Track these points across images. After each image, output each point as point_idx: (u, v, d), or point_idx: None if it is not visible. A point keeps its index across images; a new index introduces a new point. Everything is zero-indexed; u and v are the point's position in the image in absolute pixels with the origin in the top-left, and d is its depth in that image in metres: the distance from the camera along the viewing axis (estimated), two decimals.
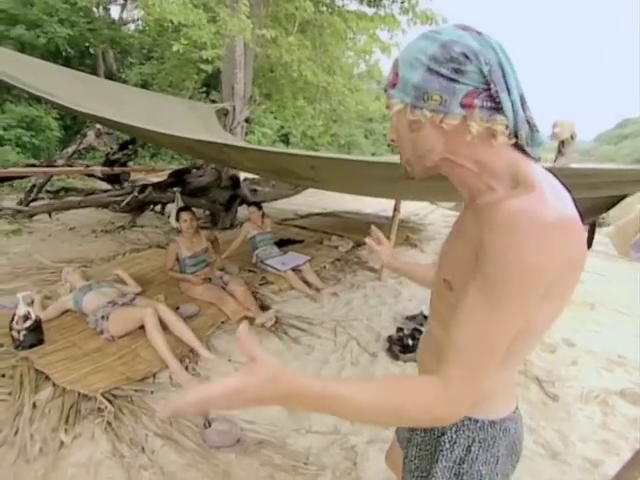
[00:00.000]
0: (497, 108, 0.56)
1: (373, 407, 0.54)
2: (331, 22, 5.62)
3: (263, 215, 3.95)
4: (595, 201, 1.87)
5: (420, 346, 0.87)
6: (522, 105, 0.58)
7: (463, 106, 0.56)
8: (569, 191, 0.59)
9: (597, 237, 3.84)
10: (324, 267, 4.15)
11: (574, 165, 3.88)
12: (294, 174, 2.65)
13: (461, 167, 0.62)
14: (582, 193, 1.70)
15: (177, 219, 3.18)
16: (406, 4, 6.36)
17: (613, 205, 1.97)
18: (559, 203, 0.54)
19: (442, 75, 0.56)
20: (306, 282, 3.64)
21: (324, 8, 5.97)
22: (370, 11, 6.79)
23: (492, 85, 0.55)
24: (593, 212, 2.10)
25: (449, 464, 0.75)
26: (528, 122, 0.58)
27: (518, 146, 0.60)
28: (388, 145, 23.32)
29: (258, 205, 3.97)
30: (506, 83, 0.56)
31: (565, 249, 0.53)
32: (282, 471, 1.63)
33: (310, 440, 1.84)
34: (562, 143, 4.45)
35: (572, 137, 4.44)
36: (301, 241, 4.83)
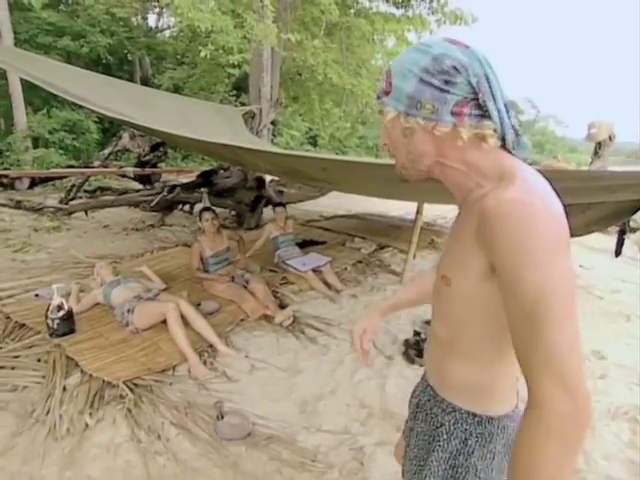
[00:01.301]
0: (484, 115, 0.61)
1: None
2: (357, 25, 5.63)
3: (286, 216, 4.02)
4: (619, 205, 1.78)
5: (426, 348, 0.88)
6: (507, 112, 0.62)
7: (453, 114, 0.61)
8: (569, 195, 0.61)
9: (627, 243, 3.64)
10: (345, 269, 4.15)
11: (584, 168, 3.70)
12: (307, 176, 2.70)
13: (452, 169, 0.67)
14: (599, 196, 1.64)
15: (200, 219, 3.30)
16: (435, 4, 6.28)
17: (638, 209, 1.87)
18: (541, 191, 0.58)
19: (434, 86, 0.61)
20: (326, 283, 3.66)
21: (350, 11, 5.99)
22: (398, 12, 6.76)
23: (480, 95, 0.60)
24: (618, 216, 2.00)
25: (445, 455, 0.76)
26: (513, 128, 0.63)
27: (505, 149, 0.64)
28: None
29: (284, 206, 4.04)
30: (492, 93, 0.61)
31: (553, 229, 0.56)
32: (289, 467, 1.66)
33: (320, 438, 1.86)
34: (599, 145, 4.25)
35: (610, 138, 4.22)
36: (324, 242, 4.85)
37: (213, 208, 3.45)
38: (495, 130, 0.61)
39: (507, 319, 0.59)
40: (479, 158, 0.64)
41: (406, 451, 0.88)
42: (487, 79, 0.60)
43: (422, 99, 0.61)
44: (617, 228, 2.75)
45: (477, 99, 0.60)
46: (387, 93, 0.65)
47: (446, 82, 0.60)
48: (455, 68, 0.59)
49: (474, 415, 0.74)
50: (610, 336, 3.08)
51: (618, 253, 2.69)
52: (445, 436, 0.77)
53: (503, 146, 0.64)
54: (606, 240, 5.30)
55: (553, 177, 1.65)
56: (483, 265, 0.63)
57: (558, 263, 0.55)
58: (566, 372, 0.54)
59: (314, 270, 3.68)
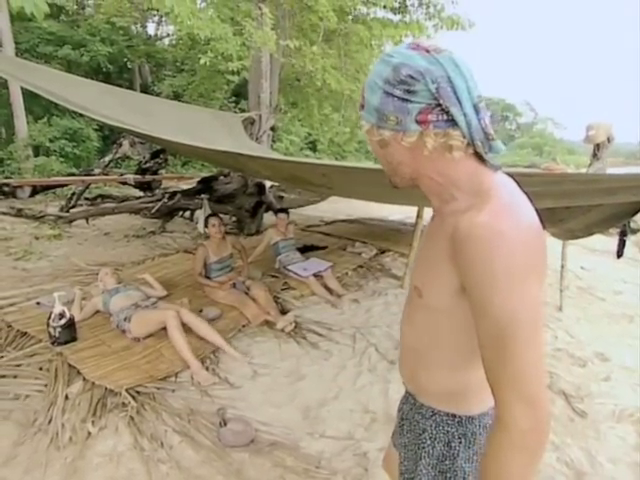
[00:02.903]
0: (452, 121, 0.60)
1: None
2: (355, 31, 5.67)
3: (287, 222, 4.03)
4: (619, 207, 1.79)
5: (399, 354, 0.88)
6: (477, 114, 0.60)
7: (419, 122, 0.60)
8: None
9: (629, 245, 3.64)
10: (346, 273, 4.15)
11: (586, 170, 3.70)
12: (307, 181, 2.70)
13: (428, 178, 0.67)
14: (599, 199, 1.65)
15: (206, 225, 3.32)
16: (432, 9, 6.33)
17: (638, 211, 1.88)
18: (514, 212, 0.59)
19: (396, 96, 0.60)
20: (327, 288, 3.66)
21: (348, 17, 6.04)
22: (396, 18, 6.81)
23: (441, 101, 0.58)
24: (618, 218, 2.00)
25: (432, 461, 0.76)
26: (484, 131, 0.61)
27: (478, 155, 0.63)
28: None
29: (287, 212, 4.05)
30: (457, 97, 0.59)
31: (523, 255, 0.56)
32: (293, 473, 1.65)
33: (323, 444, 1.85)
34: (597, 147, 4.26)
35: (609, 140, 4.23)
36: (324, 247, 4.86)
37: (219, 215, 3.48)
38: (464, 137, 0.60)
39: (477, 337, 0.61)
40: (452, 168, 0.64)
41: (399, 466, 0.88)
42: (450, 83, 0.58)
43: (386, 111, 0.62)
44: (618, 229, 2.75)
45: (441, 105, 0.59)
46: (362, 107, 0.67)
47: (407, 91, 0.59)
48: (412, 76, 0.59)
49: (454, 416, 0.75)
50: (613, 338, 3.07)
51: (620, 254, 2.69)
52: (429, 441, 0.77)
53: (475, 152, 0.63)
54: (607, 241, 5.30)
55: (552, 181, 1.66)
56: (455, 283, 0.64)
57: (524, 289, 0.56)
58: (531, 392, 0.56)
59: (315, 275, 3.68)
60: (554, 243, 4.10)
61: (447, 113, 0.59)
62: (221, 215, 5.58)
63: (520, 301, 0.56)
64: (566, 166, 4.31)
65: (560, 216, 2.45)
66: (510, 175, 0.69)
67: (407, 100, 0.59)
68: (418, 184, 0.70)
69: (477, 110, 0.60)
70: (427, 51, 0.60)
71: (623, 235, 2.68)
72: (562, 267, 3.49)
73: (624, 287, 4.17)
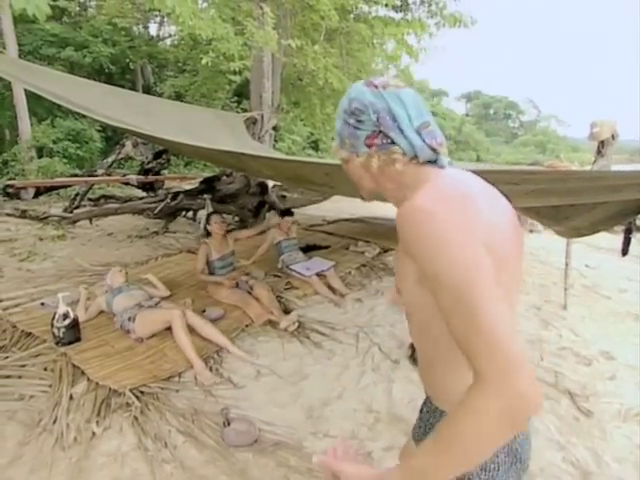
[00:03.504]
0: (393, 142, 0.71)
1: (447, 457, 0.58)
2: (357, 29, 5.66)
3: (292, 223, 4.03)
4: (625, 204, 1.77)
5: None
6: (420, 136, 0.71)
7: (367, 145, 0.73)
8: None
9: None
10: (349, 273, 4.14)
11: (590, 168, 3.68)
12: (310, 181, 2.70)
13: (385, 187, 0.78)
14: (604, 196, 1.63)
15: (208, 222, 3.32)
16: (434, 7, 6.31)
17: None
18: (446, 194, 0.65)
19: (350, 124, 0.74)
20: (330, 287, 3.65)
21: (350, 16, 6.03)
22: (397, 16, 6.80)
23: (382, 128, 0.71)
24: (623, 215, 1.98)
25: None
26: (430, 148, 0.71)
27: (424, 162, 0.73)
28: None
29: (291, 214, 4.05)
30: (397, 124, 0.71)
31: (453, 225, 0.60)
32: (297, 473, 1.65)
33: (327, 444, 1.84)
34: (602, 144, 4.23)
35: (613, 137, 4.20)
36: (327, 247, 4.85)
37: (221, 213, 3.49)
38: (404, 154, 0.71)
39: (443, 315, 0.62)
40: (399, 176, 0.74)
41: None
42: (390, 114, 0.70)
43: (344, 136, 0.76)
44: (623, 227, 2.73)
45: (382, 131, 0.71)
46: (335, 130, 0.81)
47: (357, 121, 0.73)
48: (359, 109, 0.72)
49: None
50: (618, 336, 3.05)
51: (625, 252, 2.67)
52: None
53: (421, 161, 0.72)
54: (612, 239, 5.26)
55: (556, 178, 1.64)
56: (414, 271, 0.68)
57: (461, 248, 0.59)
58: (506, 352, 0.54)
59: (318, 274, 3.67)
60: (558, 241, 4.09)
61: (388, 137, 0.71)
62: (223, 215, 5.62)
63: (461, 262, 0.58)
64: (570, 163, 4.28)
65: (565, 214, 2.43)
66: (515, 172, 0.69)
67: (357, 128, 0.73)
68: (382, 194, 0.80)
69: (419, 133, 0.71)
70: (376, 87, 0.73)
71: (628, 233, 2.66)
72: (566, 265, 3.46)
73: (629, 285, 4.14)
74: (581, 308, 3.56)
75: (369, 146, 0.73)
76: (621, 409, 2.18)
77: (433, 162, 0.72)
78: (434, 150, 0.71)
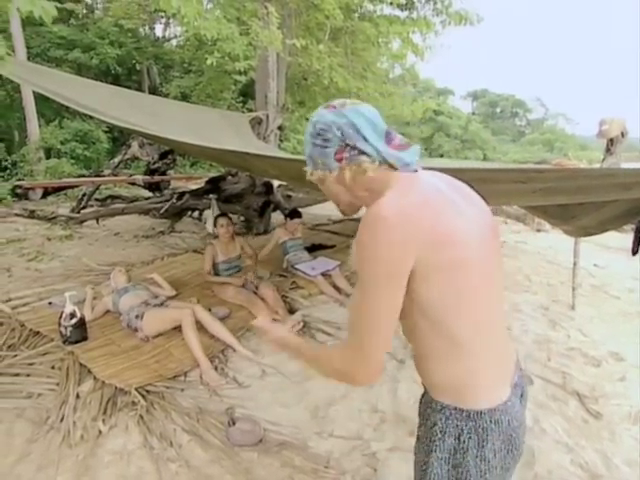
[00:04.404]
0: (361, 152, 0.78)
1: (310, 359, 0.88)
2: (361, 28, 5.64)
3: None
4: (635, 203, 1.74)
5: None
6: (382, 140, 0.78)
7: (337, 160, 0.80)
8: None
9: None
10: (355, 272, 4.13)
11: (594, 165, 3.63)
12: None
13: (361, 197, 0.84)
14: (613, 194, 1.60)
15: (215, 225, 3.32)
16: (439, 5, 6.27)
17: None
18: (397, 202, 0.73)
19: (317, 145, 0.81)
20: (336, 287, 3.65)
21: (354, 15, 6.01)
22: (402, 14, 6.76)
23: (348, 141, 0.78)
24: (633, 214, 1.95)
25: (444, 454, 0.79)
26: (394, 148, 0.78)
27: (392, 166, 0.78)
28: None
29: (299, 215, 4.04)
30: (362, 135, 0.77)
31: (408, 230, 0.69)
32: (302, 473, 1.65)
33: (332, 444, 1.84)
34: (611, 141, 4.17)
35: (623, 135, 4.14)
36: (333, 246, 4.84)
37: (229, 215, 3.48)
38: (373, 161, 0.77)
39: None
40: (371, 183, 0.79)
41: (414, 457, 0.91)
42: (353, 127, 0.77)
43: (314, 157, 0.83)
44: (633, 226, 2.69)
45: (349, 144, 0.77)
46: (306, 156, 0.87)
47: (323, 140, 0.79)
48: (323, 129, 0.79)
49: (461, 410, 0.77)
50: (628, 337, 3.00)
51: (635, 252, 2.63)
52: (439, 435, 0.79)
53: (390, 166, 0.78)
54: (622, 238, 5.19)
55: (564, 176, 1.61)
56: None
57: (376, 255, 0.69)
58: (354, 337, 0.74)
59: (323, 274, 3.67)
60: (566, 240, 4.04)
61: (355, 148, 0.78)
62: (230, 215, 5.63)
63: (369, 265, 0.70)
64: (578, 162, 4.23)
65: (573, 213, 2.40)
66: (521, 170, 0.70)
67: (325, 147, 0.80)
68: (361, 204, 0.86)
69: (381, 139, 0.78)
70: (334, 107, 0.80)
71: (638, 232, 2.61)
72: (574, 264, 3.42)
73: (639, 285, 4.08)
74: (590, 308, 3.51)
75: (339, 160, 0.79)
76: (631, 411, 2.15)
77: (403, 167, 0.78)
78: (399, 149, 0.78)
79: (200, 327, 2.53)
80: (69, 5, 10.11)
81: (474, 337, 0.76)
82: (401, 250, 0.69)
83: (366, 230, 0.71)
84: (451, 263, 0.71)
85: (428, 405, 0.84)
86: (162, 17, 12.14)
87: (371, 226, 0.70)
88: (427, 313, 0.74)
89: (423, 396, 0.90)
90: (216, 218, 3.34)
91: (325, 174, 0.82)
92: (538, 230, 6.48)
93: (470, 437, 0.76)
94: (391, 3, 6.04)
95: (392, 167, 0.78)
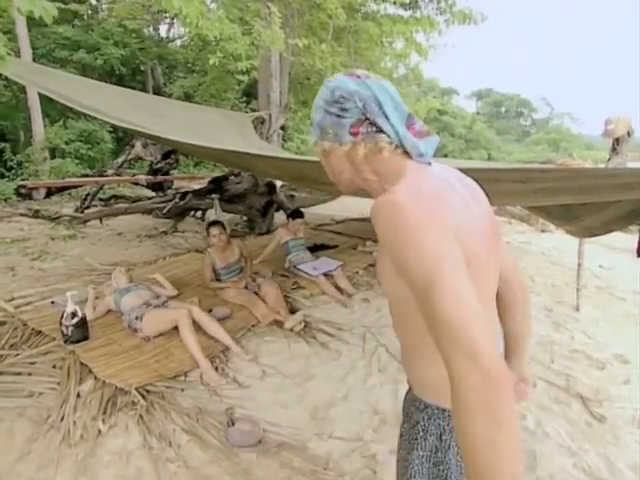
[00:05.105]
0: (380, 129, 0.72)
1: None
2: (365, 28, 5.63)
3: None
4: (638, 203, 1.72)
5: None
6: (403, 123, 0.72)
7: (352, 134, 0.73)
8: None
9: None
10: (357, 272, 4.11)
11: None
12: (314, 180, 2.69)
13: (367, 180, 0.77)
14: (616, 195, 1.58)
15: (207, 234, 3.23)
16: (443, 4, 6.24)
17: None
18: (415, 189, 0.67)
19: (332, 114, 0.73)
20: (338, 287, 3.63)
21: (358, 14, 6.00)
22: (406, 14, 6.74)
23: (368, 115, 0.71)
24: (637, 215, 1.92)
25: (426, 453, 0.79)
26: (413, 135, 0.72)
27: (406, 153, 0.73)
28: None
29: (302, 216, 4.02)
30: (383, 111, 0.71)
31: (420, 216, 0.62)
32: (301, 474, 1.64)
33: (331, 445, 1.83)
34: (617, 141, 4.13)
35: (629, 134, 4.10)
36: (335, 246, 4.83)
37: (221, 220, 3.43)
38: (391, 142, 0.71)
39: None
40: (383, 167, 0.74)
41: (397, 454, 0.91)
42: (377, 100, 0.71)
43: (325, 126, 0.75)
44: (638, 227, 2.66)
45: (369, 119, 0.71)
46: (312, 125, 0.80)
47: (340, 109, 0.72)
48: (343, 97, 0.72)
49: (443, 410, 0.76)
50: (633, 339, 2.97)
51: None
52: (421, 433, 0.79)
53: (405, 152, 0.72)
54: (627, 239, 5.14)
55: (568, 176, 1.59)
56: (390, 262, 0.70)
57: (430, 241, 0.61)
58: (469, 344, 0.54)
59: (325, 274, 3.65)
60: (571, 241, 4.00)
61: (375, 125, 0.71)
62: (232, 214, 5.64)
63: (428, 252, 0.60)
64: (583, 161, 4.19)
65: (576, 213, 2.37)
66: (522, 170, 0.69)
67: (341, 116, 0.72)
68: (362, 187, 0.80)
69: (402, 121, 0.72)
70: (358, 77, 0.73)
71: None
72: (579, 266, 3.39)
73: None
74: (594, 310, 3.48)
75: (354, 134, 0.72)
76: (635, 414, 2.12)
77: (417, 156, 0.72)
78: (418, 136, 0.73)
79: (199, 327, 2.53)
80: (73, 6, 10.19)
81: None
82: (440, 227, 0.63)
83: (399, 223, 0.62)
84: (467, 258, 0.65)
85: (412, 403, 0.84)
86: (166, 17, 12.18)
87: (400, 217, 0.62)
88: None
89: (407, 393, 0.90)
90: (207, 227, 3.24)
91: (333, 146, 0.75)
92: (542, 231, 6.44)
93: (452, 436, 0.76)
94: (394, 2, 6.02)
95: (407, 154, 0.73)
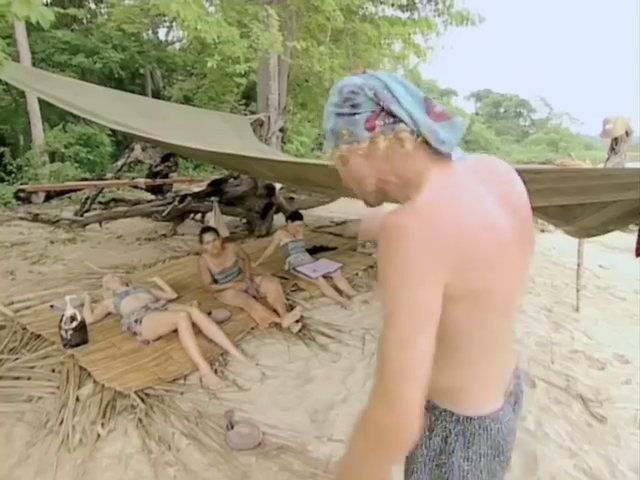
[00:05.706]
0: (397, 119, 0.66)
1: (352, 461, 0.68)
2: (363, 30, 5.65)
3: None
4: (637, 202, 1.72)
5: None
6: (425, 109, 0.67)
7: (368, 129, 0.68)
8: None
9: None
10: (356, 274, 4.11)
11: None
12: (312, 182, 2.69)
13: (390, 183, 0.72)
14: (614, 194, 1.58)
15: (200, 241, 3.17)
16: (440, 6, 6.26)
17: None
18: (428, 209, 0.63)
19: (344, 114, 0.69)
20: (337, 289, 3.63)
21: (356, 16, 6.02)
22: (404, 15, 6.76)
23: (381, 102, 0.66)
24: (636, 214, 1.92)
25: (430, 453, 0.79)
26: (430, 118, 0.66)
27: (427, 144, 0.67)
28: None
29: (301, 218, 4.02)
30: (395, 97, 0.66)
31: (420, 248, 0.59)
32: (300, 477, 1.64)
33: (331, 448, 1.82)
34: (615, 140, 4.13)
35: (627, 134, 4.10)
36: (334, 248, 4.82)
37: (213, 227, 3.39)
38: (411, 131, 0.66)
39: None
40: (404, 166, 0.68)
41: None
42: (387, 87, 0.66)
43: (339, 128, 0.70)
44: (638, 226, 2.65)
45: (384, 108, 0.66)
46: (325, 137, 0.75)
47: (352, 106, 0.68)
48: (352, 92, 0.67)
49: (451, 413, 0.76)
50: (634, 339, 2.96)
51: (639, 253, 2.59)
52: (427, 433, 0.78)
53: (425, 142, 0.66)
54: (627, 239, 5.13)
55: (566, 176, 1.59)
56: None
57: (410, 286, 0.59)
58: (387, 386, 0.60)
59: (325, 276, 3.65)
60: (571, 241, 3.99)
61: (391, 114, 0.66)
62: (232, 217, 5.63)
63: (400, 296, 0.60)
64: (582, 161, 4.19)
65: (574, 213, 2.37)
66: (520, 171, 0.67)
67: (354, 113, 0.68)
68: (389, 195, 0.75)
69: (427, 104, 0.67)
70: (364, 72, 0.70)
71: None
72: (578, 266, 3.38)
73: None
74: (594, 310, 3.47)
75: (371, 129, 0.67)
76: (636, 415, 2.11)
77: (437, 143, 0.66)
78: (437, 119, 0.66)
79: (199, 330, 2.53)
80: (72, 10, 10.23)
81: (480, 351, 0.73)
82: (435, 267, 0.61)
83: (397, 249, 0.60)
84: (477, 290, 0.65)
85: None
86: (165, 21, 12.22)
87: (400, 246, 0.60)
88: (441, 328, 0.65)
89: None
90: (200, 234, 3.18)
91: (351, 148, 0.70)
92: (542, 230, 6.43)
93: (457, 439, 0.76)
94: (392, 4, 6.04)
95: (430, 147, 0.66)
